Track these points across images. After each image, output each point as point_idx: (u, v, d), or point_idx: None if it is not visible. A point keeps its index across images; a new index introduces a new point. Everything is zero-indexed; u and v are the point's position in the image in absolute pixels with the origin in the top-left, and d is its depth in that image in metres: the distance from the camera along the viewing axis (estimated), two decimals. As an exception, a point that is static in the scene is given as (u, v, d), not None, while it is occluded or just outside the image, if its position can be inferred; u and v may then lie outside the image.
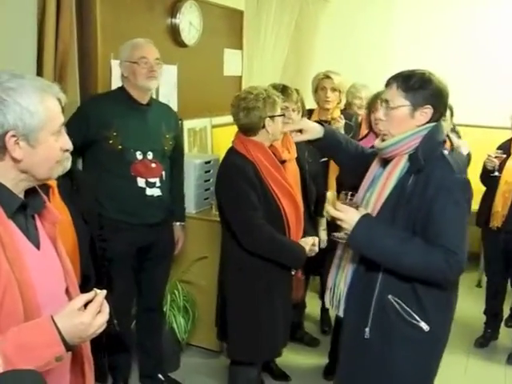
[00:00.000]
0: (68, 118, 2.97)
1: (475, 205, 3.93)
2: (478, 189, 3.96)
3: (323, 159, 3.53)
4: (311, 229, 3.04)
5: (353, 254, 2.22)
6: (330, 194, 2.10)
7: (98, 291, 1.41)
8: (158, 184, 3.00)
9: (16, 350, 1.27)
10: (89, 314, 1.37)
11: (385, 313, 2.10)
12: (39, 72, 2.89)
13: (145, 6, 3.71)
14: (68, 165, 2.43)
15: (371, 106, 3.33)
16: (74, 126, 2.86)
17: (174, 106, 3.75)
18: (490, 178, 3.88)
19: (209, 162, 3.78)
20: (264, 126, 2.66)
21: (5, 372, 1.12)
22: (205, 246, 3.49)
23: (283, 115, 2.75)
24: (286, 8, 5.07)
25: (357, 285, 2.20)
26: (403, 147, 2.07)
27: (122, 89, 3.02)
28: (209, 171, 3.76)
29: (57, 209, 2.33)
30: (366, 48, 5.51)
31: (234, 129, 2.83)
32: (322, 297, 3.92)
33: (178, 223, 3.31)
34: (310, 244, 2.78)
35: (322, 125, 2.47)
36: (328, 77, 3.95)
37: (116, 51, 3.16)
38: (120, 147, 2.89)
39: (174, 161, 3.18)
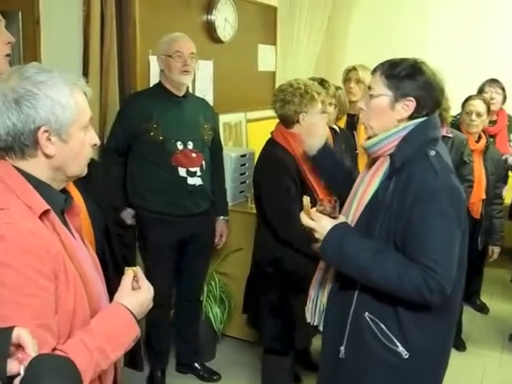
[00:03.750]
0: (113, 120, 3.08)
1: (507, 199, 3.92)
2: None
3: (357, 151, 3.55)
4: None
5: None
6: (305, 200, 1.91)
7: (134, 268, 1.46)
8: (198, 173, 3.05)
9: (108, 342, 1.29)
10: (147, 290, 1.43)
11: (361, 332, 1.89)
12: (85, 71, 3.00)
13: (182, 3, 3.79)
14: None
15: None
16: (118, 126, 2.98)
17: (210, 101, 3.82)
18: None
19: (244, 156, 3.84)
20: (298, 121, 2.70)
21: (40, 355, 1.09)
22: (240, 237, 3.54)
23: (323, 112, 2.75)
24: (319, 4, 5.11)
25: (335, 300, 2.01)
26: (387, 146, 1.86)
27: (158, 84, 3.11)
28: (244, 164, 3.81)
29: (72, 195, 2.43)
30: (398, 43, 5.46)
31: (269, 123, 2.88)
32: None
33: (221, 217, 3.36)
34: None
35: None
36: (354, 68, 3.97)
37: (154, 48, 3.24)
38: (161, 138, 2.97)
39: (213, 153, 3.23)
